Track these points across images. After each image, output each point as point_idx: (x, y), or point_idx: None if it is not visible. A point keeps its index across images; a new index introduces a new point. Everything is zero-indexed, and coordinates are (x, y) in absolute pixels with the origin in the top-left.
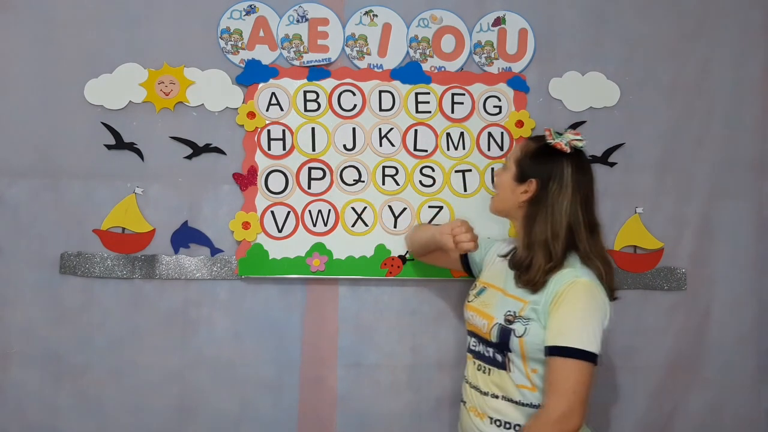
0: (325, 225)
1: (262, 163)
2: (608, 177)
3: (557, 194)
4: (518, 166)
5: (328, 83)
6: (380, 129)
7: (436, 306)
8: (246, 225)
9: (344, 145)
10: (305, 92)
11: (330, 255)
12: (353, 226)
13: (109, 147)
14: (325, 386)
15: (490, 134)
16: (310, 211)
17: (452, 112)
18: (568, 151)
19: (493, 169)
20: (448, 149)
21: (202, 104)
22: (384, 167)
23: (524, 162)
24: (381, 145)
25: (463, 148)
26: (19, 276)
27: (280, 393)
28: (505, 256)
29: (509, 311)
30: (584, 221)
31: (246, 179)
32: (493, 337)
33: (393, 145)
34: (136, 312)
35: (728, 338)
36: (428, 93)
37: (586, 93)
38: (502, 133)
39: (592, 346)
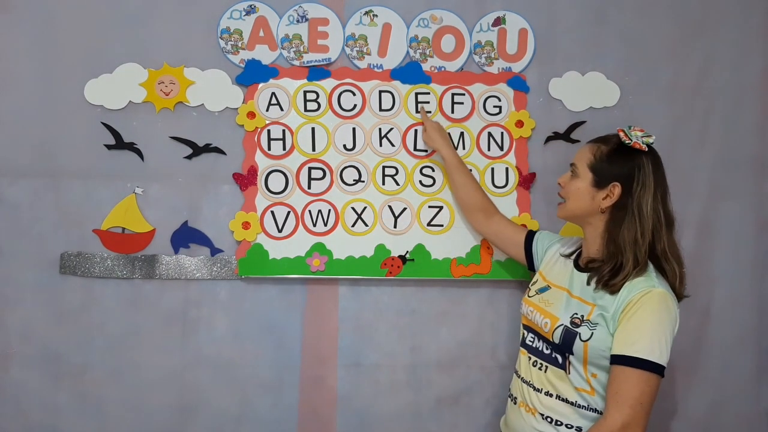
0: (325, 225)
1: (262, 163)
2: None
3: (641, 195)
4: (594, 171)
5: (328, 83)
6: (380, 129)
7: (436, 306)
8: (246, 225)
9: (344, 145)
10: (305, 92)
11: (330, 255)
12: (353, 226)
13: (109, 147)
14: (325, 386)
15: (490, 134)
16: (310, 211)
17: (452, 112)
18: (646, 149)
19: (493, 169)
20: None
21: (202, 104)
22: (384, 167)
23: (601, 167)
24: (381, 145)
25: (463, 148)
26: (19, 276)
27: (280, 393)
28: (568, 256)
29: (576, 314)
30: (665, 218)
31: (246, 179)
32: (556, 339)
33: (393, 145)
34: (136, 312)
35: (728, 338)
36: (428, 93)
37: (586, 93)
38: (502, 133)
39: (662, 358)
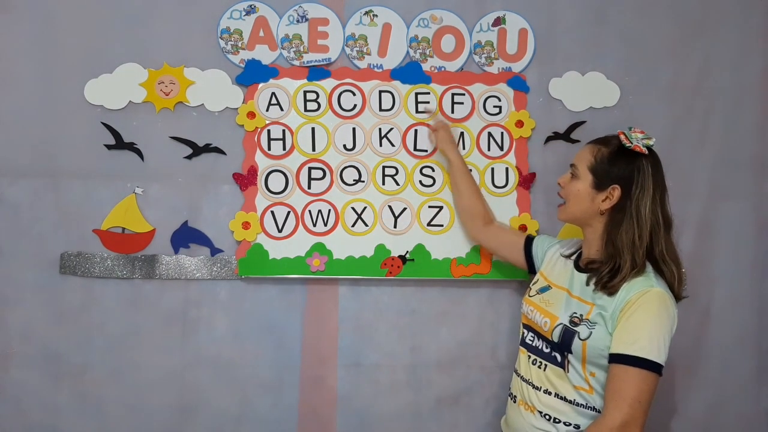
0: (325, 225)
1: (262, 163)
2: None
3: (640, 198)
4: (594, 173)
5: (328, 83)
6: (380, 129)
7: (436, 306)
8: (246, 225)
9: (344, 145)
10: (305, 92)
11: (330, 255)
12: (353, 226)
13: (109, 147)
14: (325, 386)
15: (490, 134)
16: (310, 211)
17: (452, 112)
18: (646, 152)
19: (493, 169)
20: None
21: (202, 104)
22: (384, 167)
23: (601, 169)
24: (381, 145)
25: (463, 148)
26: (19, 276)
27: (280, 393)
28: (568, 256)
29: (575, 313)
30: (663, 221)
31: (246, 179)
32: (555, 337)
33: (393, 145)
34: (136, 312)
35: (728, 338)
36: (428, 93)
37: (586, 93)
38: (502, 133)
39: (661, 357)
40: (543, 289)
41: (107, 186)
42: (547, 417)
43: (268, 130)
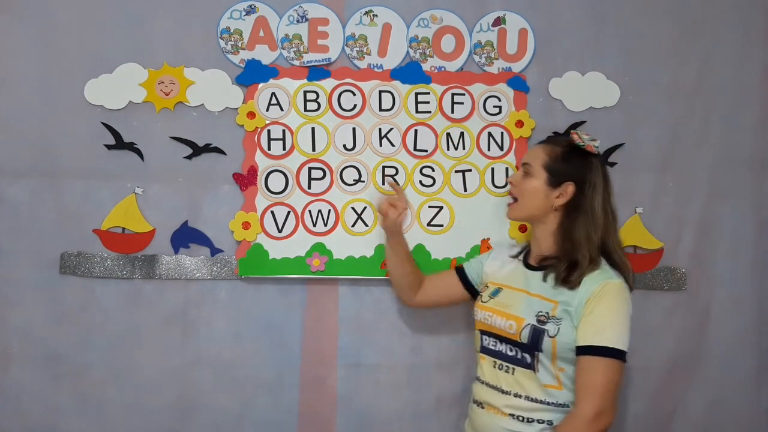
0: (325, 225)
1: (262, 163)
2: None
3: (594, 195)
4: (549, 171)
5: (328, 83)
6: (380, 129)
7: None
8: (246, 225)
9: (344, 145)
10: (305, 92)
11: (330, 255)
12: (353, 226)
13: (109, 147)
14: (325, 386)
15: (490, 134)
16: (310, 211)
17: (452, 112)
18: (596, 152)
19: (493, 169)
20: (448, 149)
21: (202, 104)
22: (384, 167)
23: (556, 166)
24: (381, 145)
25: (463, 148)
26: (19, 276)
27: (280, 393)
28: (516, 256)
29: (540, 311)
30: (612, 215)
31: (246, 179)
32: (524, 338)
33: (393, 145)
34: (136, 312)
35: (728, 338)
36: (428, 93)
37: (586, 93)
38: (502, 133)
39: (625, 344)
40: (494, 293)
41: (107, 186)
42: (520, 418)
43: (268, 130)
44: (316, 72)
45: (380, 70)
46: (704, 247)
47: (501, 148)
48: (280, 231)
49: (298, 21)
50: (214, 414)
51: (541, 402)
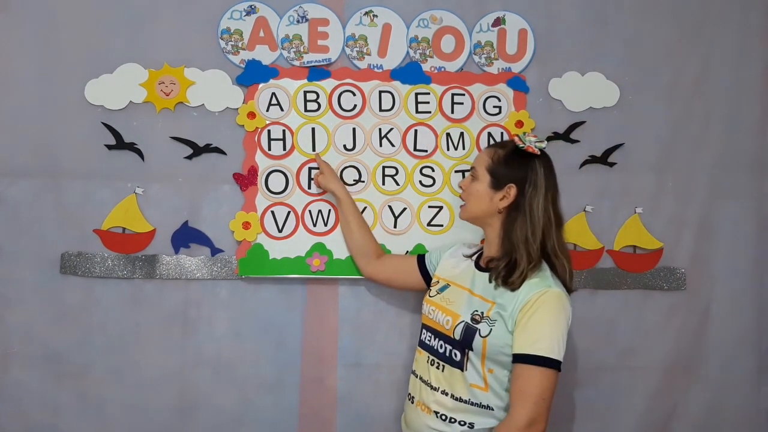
0: (326, 225)
1: (263, 163)
2: (608, 177)
3: (533, 196)
4: (492, 174)
5: (328, 83)
6: (380, 129)
7: None
8: (246, 225)
9: (344, 146)
10: (305, 92)
11: (330, 255)
12: None
13: (109, 147)
14: (325, 386)
15: (490, 134)
16: (310, 211)
17: (452, 112)
18: (539, 153)
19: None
20: (448, 149)
21: (203, 104)
22: (384, 167)
23: (498, 169)
24: (381, 145)
25: (463, 149)
26: (19, 276)
27: (280, 393)
28: (470, 256)
29: (476, 311)
30: (554, 218)
31: (246, 179)
32: (457, 335)
33: (393, 145)
34: (137, 312)
35: (728, 338)
36: (428, 93)
37: (586, 93)
38: (501, 133)
39: (560, 354)
40: (442, 289)
41: (108, 186)
42: (443, 417)
43: (269, 130)
44: (316, 72)
45: (380, 70)
46: (704, 247)
47: None
48: (280, 231)
49: (298, 21)
50: (214, 414)
51: (465, 402)
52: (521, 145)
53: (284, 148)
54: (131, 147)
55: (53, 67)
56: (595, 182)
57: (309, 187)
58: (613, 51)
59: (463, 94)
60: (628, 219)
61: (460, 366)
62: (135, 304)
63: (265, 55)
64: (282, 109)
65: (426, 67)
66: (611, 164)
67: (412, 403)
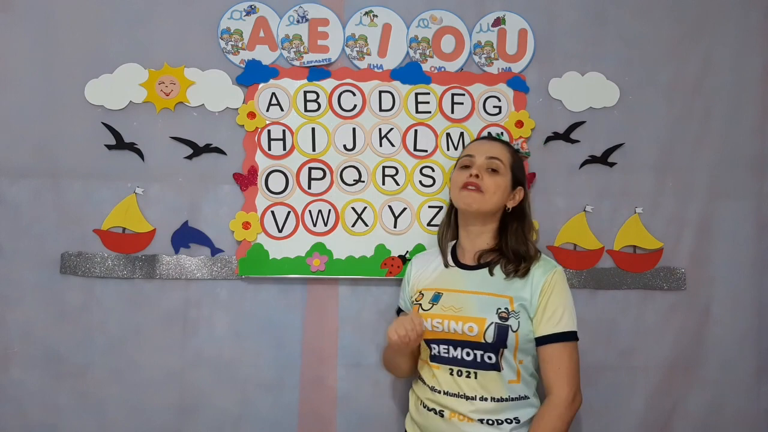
0: (325, 225)
1: (263, 163)
2: (608, 177)
3: (527, 198)
4: (513, 172)
5: (328, 83)
6: (380, 129)
7: None
8: (246, 225)
9: (344, 145)
10: (305, 92)
11: (330, 255)
12: (353, 226)
13: (109, 147)
14: (325, 386)
15: (489, 135)
16: (310, 211)
17: (452, 112)
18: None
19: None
20: (448, 149)
21: (203, 104)
22: (384, 167)
23: (516, 170)
24: (381, 145)
25: (464, 149)
26: (19, 276)
27: (280, 393)
28: (446, 265)
29: (500, 308)
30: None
31: (246, 179)
32: (489, 338)
33: (393, 145)
34: (137, 312)
35: (728, 338)
36: (428, 93)
37: (586, 93)
38: (502, 133)
39: (576, 325)
40: (435, 298)
41: (108, 186)
42: (489, 422)
43: (269, 130)
44: (317, 72)
45: (380, 70)
46: (704, 247)
47: None
48: (280, 231)
49: (298, 21)
50: (214, 414)
51: (506, 400)
52: (522, 152)
53: (284, 148)
54: (131, 147)
55: (53, 67)
56: (595, 182)
57: (309, 187)
58: (613, 51)
59: (463, 94)
60: (628, 219)
61: (496, 367)
62: (135, 304)
63: (265, 55)
64: (282, 109)
65: (426, 67)
66: (611, 164)
67: (443, 416)
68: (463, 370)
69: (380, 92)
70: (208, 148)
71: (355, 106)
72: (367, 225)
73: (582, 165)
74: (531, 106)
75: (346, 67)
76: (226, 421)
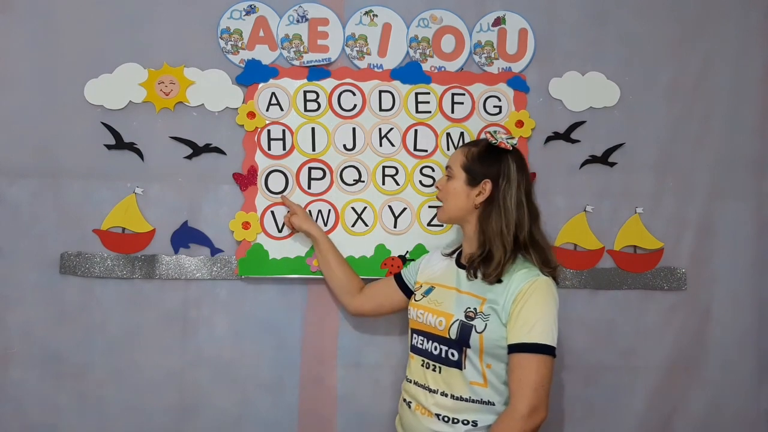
0: (325, 225)
1: (262, 163)
2: (608, 177)
3: (507, 189)
4: (467, 171)
5: (328, 83)
6: (380, 129)
7: None
8: (246, 225)
9: (344, 145)
10: (305, 92)
11: None
12: (353, 226)
13: (109, 147)
14: (325, 386)
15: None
16: (310, 211)
17: (452, 112)
18: (511, 149)
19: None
20: (448, 149)
21: (202, 104)
22: (384, 167)
23: (473, 166)
24: (381, 145)
25: None
26: (19, 276)
27: (280, 393)
28: (450, 254)
29: (469, 308)
30: (528, 209)
31: (246, 179)
32: (453, 334)
33: (393, 145)
34: (136, 312)
35: (728, 338)
36: (428, 93)
37: (586, 93)
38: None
39: (555, 340)
40: (427, 291)
41: (107, 186)
42: (445, 419)
43: (268, 130)
44: (316, 72)
45: (380, 70)
46: (704, 247)
47: None
48: (280, 231)
49: (298, 21)
50: (214, 414)
51: (466, 400)
52: (493, 141)
53: (284, 148)
54: (131, 147)
55: (53, 67)
56: (596, 182)
57: (309, 187)
58: (613, 51)
59: (464, 94)
60: (628, 219)
61: (458, 365)
62: (135, 304)
63: (264, 54)
64: (282, 109)
65: (426, 66)
66: (611, 164)
67: (410, 408)
68: (431, 363)
69: (380, 92)
70: (208, 148)
71: (355, 105)
72: (367, 225)
73: (582, 165)
74: (531, 106)
75: (346, 66)
76: (226, 421)
